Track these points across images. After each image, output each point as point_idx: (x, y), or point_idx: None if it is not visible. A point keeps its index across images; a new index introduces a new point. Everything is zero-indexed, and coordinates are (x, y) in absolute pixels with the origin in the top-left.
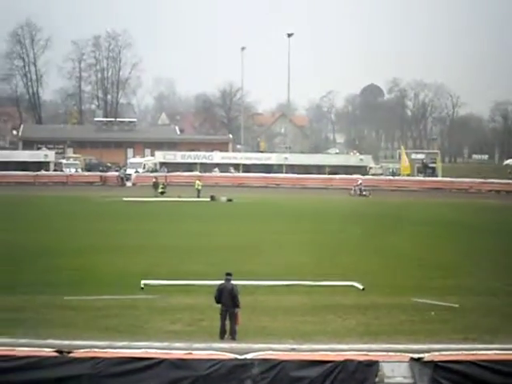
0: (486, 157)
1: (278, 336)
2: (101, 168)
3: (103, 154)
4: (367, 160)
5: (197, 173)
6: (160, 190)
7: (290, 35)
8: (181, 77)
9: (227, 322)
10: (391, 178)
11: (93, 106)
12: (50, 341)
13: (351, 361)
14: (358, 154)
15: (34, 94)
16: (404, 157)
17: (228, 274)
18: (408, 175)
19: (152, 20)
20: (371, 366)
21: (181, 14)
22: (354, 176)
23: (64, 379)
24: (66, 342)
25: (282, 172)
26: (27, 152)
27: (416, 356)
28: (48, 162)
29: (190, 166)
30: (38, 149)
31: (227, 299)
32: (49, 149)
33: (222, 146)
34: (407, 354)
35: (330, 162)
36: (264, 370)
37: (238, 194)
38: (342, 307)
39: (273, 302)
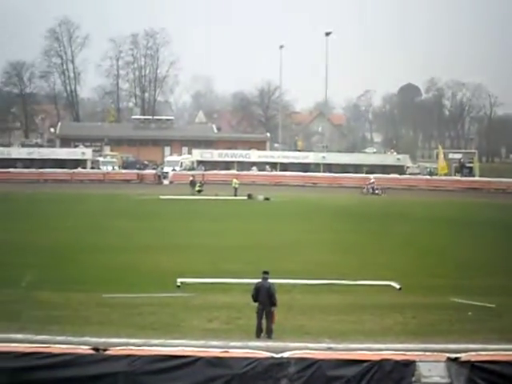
0: None
1: (315, 335)
2: (138, 166)
3: (140, 151)
4: (404, 159)
5: (234, 171)
6: (197, 189)
7: (327, 34)
8: (218, 75)
9: (264, 321)
10: (428, 177)
11: (130, 104)
12: (86, 338)
13: (388, 360)
14: (395, 153)
15: (71, 92)
16: (441, 156)
17: (265, 273)
18: (445, 175)
19: (189, 18)
20: (408, 366)
21: (218, 12)
22: (391, 176)
23: (100, 377)
24: (102, 340)
25: (319, 171)
26: (65, 149)
27: (453, 356)
28: (85, 160)
29: (227, 165)
30: (76, 146)
31: (264, 297)
32: (86, 146)
33: (260, 145)
34: (444, 354)
35: (368, 162)
36: (300, 369)
37: (275, 192)
38: (379, 306)
39: (309, 300)
